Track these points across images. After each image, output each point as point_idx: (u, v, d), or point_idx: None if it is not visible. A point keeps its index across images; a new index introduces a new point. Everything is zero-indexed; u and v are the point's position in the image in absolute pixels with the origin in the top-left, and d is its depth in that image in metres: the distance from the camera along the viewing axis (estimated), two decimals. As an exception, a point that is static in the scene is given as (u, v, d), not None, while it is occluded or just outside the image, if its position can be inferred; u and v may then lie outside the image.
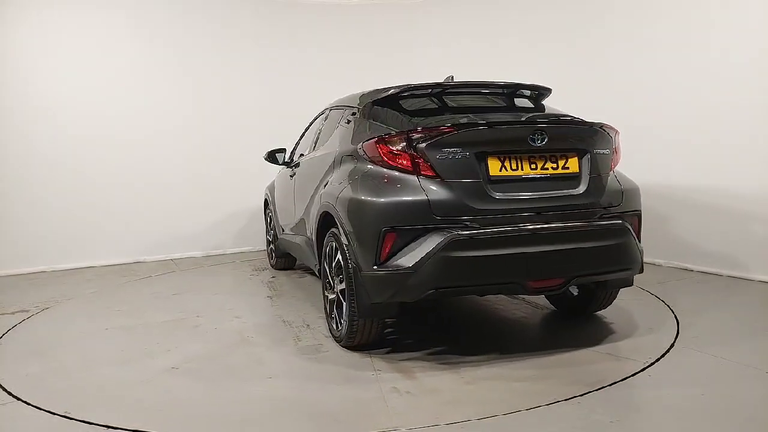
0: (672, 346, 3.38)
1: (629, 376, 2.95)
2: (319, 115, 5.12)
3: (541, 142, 3.13)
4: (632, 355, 3.29)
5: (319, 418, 2.65)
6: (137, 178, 6.63)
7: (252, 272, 5.99)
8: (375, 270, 3.05)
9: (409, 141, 3.10)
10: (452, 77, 3.95)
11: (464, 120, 3.32)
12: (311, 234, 4.05)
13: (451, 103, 3.72)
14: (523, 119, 3.52)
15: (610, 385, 2.85)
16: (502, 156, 3.13)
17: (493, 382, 2.96)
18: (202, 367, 3.31)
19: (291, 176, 4.95)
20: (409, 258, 2.98)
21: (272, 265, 6.11)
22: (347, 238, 3.24)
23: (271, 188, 5.98)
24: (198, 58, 6.91)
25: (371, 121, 3.57)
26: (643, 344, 3.44)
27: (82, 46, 6.31)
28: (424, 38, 7.57)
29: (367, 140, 3.35)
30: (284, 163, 5.37)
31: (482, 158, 3.09)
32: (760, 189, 4.86)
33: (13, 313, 4.52)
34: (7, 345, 3.81)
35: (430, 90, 3.65)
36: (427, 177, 3.06)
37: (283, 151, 5.43)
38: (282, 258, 5.90)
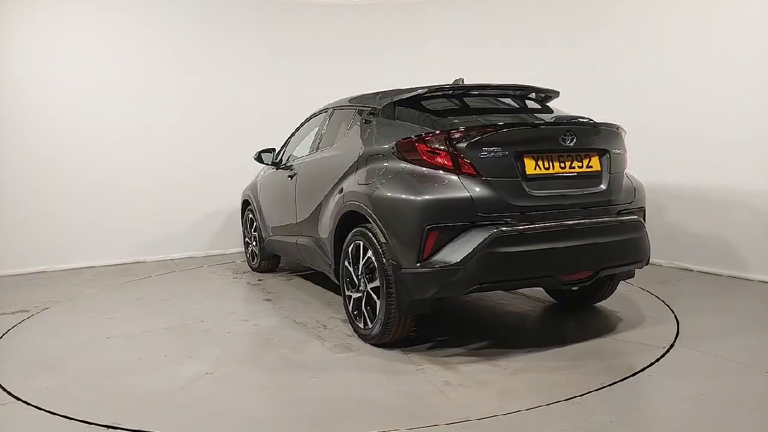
0: (672, 346, 3.38)
1: (629, 376, 2.95)
2: (315, 116, 5.08)
3: (571, 142, 3.31)
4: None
5: (390, 414, 2.63)
6: (137, 178, 6.63)
7: (234, 275, 5.86)
8: (418, 267, 3.09)
9: (450, 140, 3.17)
10: (462, 80, 4.00)
11: (502, 121, 3.39)
12: (327, 234, 4.02)
13: (471, 104, 3.77)
14: (552, 120, 3.60)
15: (610, 385, 2.85)
16: (536, 155, 3.26)
17: (533, 373, 3.04)
18: (239, 371, 3.22)
19: (290, 177, 4.83)
20: (454, 254, 3.03)
21: (254, 268, 5.97)
22: (384, 237, 3.26)
23: (254, 190, 5.85)
24: (197, 58, 6.91)
25: (398, 120, 3.61)
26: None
27: (81, 46, 6.31)
28: (424, 38, 7.57)
29: (402, 139, 3.36)
30: (273, 164, 5.32)
31: (519, 157, 3.21)
32: (760, 189, 4.86)
33: (13, 313, 4.52)
34: (7, 345, 3.81)
35: (451, 91, 3.71)
36: (467, 175, 3.14)
37: (272, 151, 5.38)
38: (267, 260, 5.79)
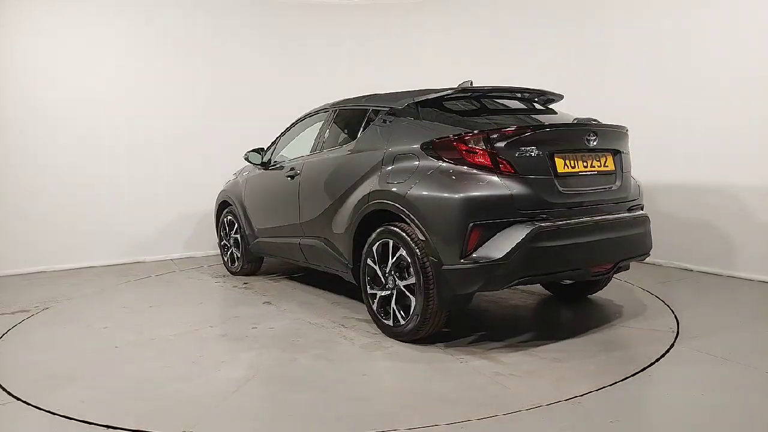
0: (672, 346, 3.38)
1: (629, 376, 2.95)
2: (309, 116, 5.01)
3: (593, 142, 3.53)
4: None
5: (459, 405, 2.68)
6: (137, 178, 6.62)
7: (215, 279, 5.66)
8: (462, 263, 3.18)
9: (488, 140, 3.28)
10: (470, 82, 4.06)
11: (532, 122, 3.56)
12: (343, 234, 4.03)
13: (490, 106, 3.89)
14: (575, 121, 3.74)
15: (610, 385, 2.85)
16: (565, 154, 3.45)
17: (573, 362, 3.17)
18: (282, 373, 3.18)
19: (290, 177, 4.73)
20: (497, 250, 3.14)
21: (235, 271, 5.76)
22: (423, 234, 3.32)
23: (235, 191, 5.68)
24: (197, 58, 6.91)
25: (424, 121, 3.67)
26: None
27: (80, 46, 6.30)
28: (424, 38, 7.56)
29: (439, 138, 3.43)
30: (261, 164, 5.23)
31: (551, 156, 3.38)
32: (760, 189, 4.86)
33: (13, 313, 4.52)
34: (7, 345, 3.81)
35: (470, 93, 3.81)
36: (505, 173, 3.26)
37: (261, 151, 5.27)
38: (251, 263, 5.64)
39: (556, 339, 3.57)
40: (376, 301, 3.71)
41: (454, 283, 3.24)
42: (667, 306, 4.22)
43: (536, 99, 4.10)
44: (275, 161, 5.16)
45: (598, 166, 3.60)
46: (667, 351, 3.30)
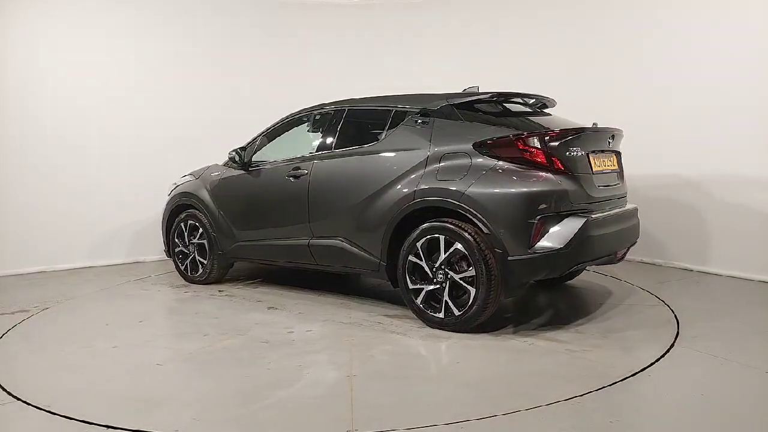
0: (672, 346, 3.38)
1: (629, 376, 2.95)
2: (300, 117, 4.91)
3: (611, 144, 4.09)
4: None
5: (573, 381, 2.89)
6: (136, 178, 6.62)
7: (183, 290, 5.18)
8: (529, 253, 3.48)
9: (543, 140, 3.61)
10: (477, 87, 4.31)
11: (548, 125, 3.87)
12: (375, 232, 4.06)
13: (512, 109, 4.18)
14: (597, 125, 4.09)
15: (610, 385, 2.85)
16: (596, 155, 3.92)
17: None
18: (373, 369, 3.18)
19: (294, 177, 4.56)
20: (558, 240, 3.49)
21: (200, 280, 5.33)
22: (488, 228, 3.55)
23: (201, 193, 5.30)
24: (197, 58, 6.90)
25: (466, 122, 3.89)
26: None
27: (80, 46, 6.30)
28: (424, 38, 7.55)
29: (498, 138, 3.68)
30: (243, 165, 5.01)
31: (587, 156, 3.82)
32: (760, 189, 4.86)
33: (13, 313, 4.52)
34: (7, 345, 3.81)
35: (495, 98, 4.07)
36: (558, 171, 3.61)
37: (243, 150, 5.06)
38: (222, 269, 5.29)
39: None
40: (421, 295, 3.83)
41: (521, 272, 3.53)
42: (667, 306, 4.22)
43: (539, 104, 4.35)
44: (256, 162, 5.00)
45: (611, 165, 4.09)
46: (667, 351, 3.30)
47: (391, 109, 4.30)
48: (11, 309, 4.65)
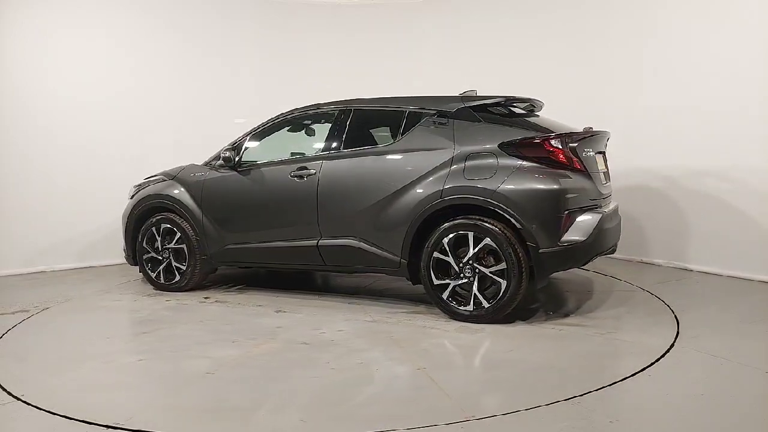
0: (672, 346, 3.39)
1: (629, 376, 2.95)
2: (294, 117, 4.85)
3: (606, 145, 4.45)
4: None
5: (633, 357, 3.21)
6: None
7: (165, 298, 4.83)
8: (558, 245, 3.72)
9: (565, 141, 3.86)
10: (476, 91, 4.41)
11: (550, 127, 4.07)
12: (395, 231, 4.11)
13: (518, 112, 4.34)
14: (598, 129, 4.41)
15: (610, 385, 2.86)
16: (599, 155, 4.28)
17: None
18: (440, 360, 3.32)
19: (300, 177, 4.48)
20: (580, 233, 3.77)
21: (180, 287, 5.00)
22: (520, 223, 3.74)
23: (180, 195, 5.02)
24: (196, 58, 6.90)
25: (488, 123, 4.05)
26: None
27: (80, 45, 6.30)
28: (423, 38, 7.55)
29: (524, 139, 3.88)
30: (233, 165, 4.81)
31: (597, 156, 4.19)
32: (760, 189, 4.86)
33: (13, 313, 4.51)
34: (7, 345, 3.80)
35: (505, 101, 4.24)
36: (577, 170, 3.89)
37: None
38: (203, 275, 5.04)
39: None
40: (447, 290, 3.95)
41: (551, 263, 3.77)
42: (667, 306, 4.22)
43: (533, 107, 4.48)
44: (246, 162, 4.87)
45: (602, 166, 4.32)
46: (667, 351, 3.30)
47: (404, 110, 4.34)
48: (11, 309, 4.64)
